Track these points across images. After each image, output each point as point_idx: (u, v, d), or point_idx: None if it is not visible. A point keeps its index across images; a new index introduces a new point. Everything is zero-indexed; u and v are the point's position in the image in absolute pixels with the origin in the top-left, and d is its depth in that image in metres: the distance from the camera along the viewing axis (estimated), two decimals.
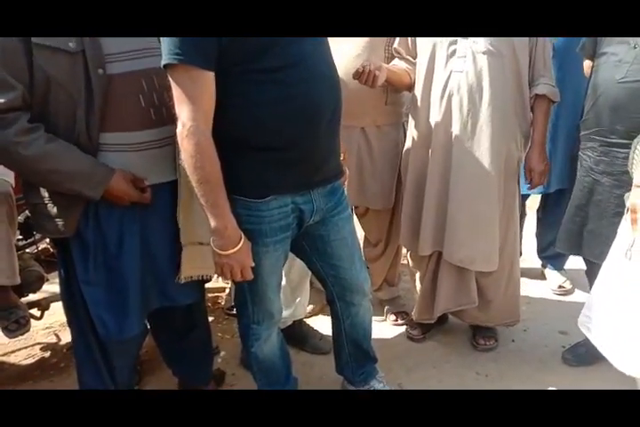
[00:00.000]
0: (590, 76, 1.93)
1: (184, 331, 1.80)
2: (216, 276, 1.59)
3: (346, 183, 1.73)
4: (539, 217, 2.81)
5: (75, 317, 1.60)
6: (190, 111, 1.30)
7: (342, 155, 1.68)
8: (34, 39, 1.30)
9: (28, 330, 2.09)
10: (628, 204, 1.43)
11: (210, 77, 1.31)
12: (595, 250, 1.88)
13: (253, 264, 1.47)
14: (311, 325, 2.40)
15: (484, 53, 1.88)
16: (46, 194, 1.46)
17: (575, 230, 1.96)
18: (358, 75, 1.84)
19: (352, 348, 1.92)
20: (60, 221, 1.45)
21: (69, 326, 1.68)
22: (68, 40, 1.32)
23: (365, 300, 1.83)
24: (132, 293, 1.52)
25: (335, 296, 1.81)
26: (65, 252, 1.53)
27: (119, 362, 1.65)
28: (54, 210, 1.45)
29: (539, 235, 2.81)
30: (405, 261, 2.45)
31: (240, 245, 1.41)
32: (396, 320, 2.49)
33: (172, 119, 1.46)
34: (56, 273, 1.71)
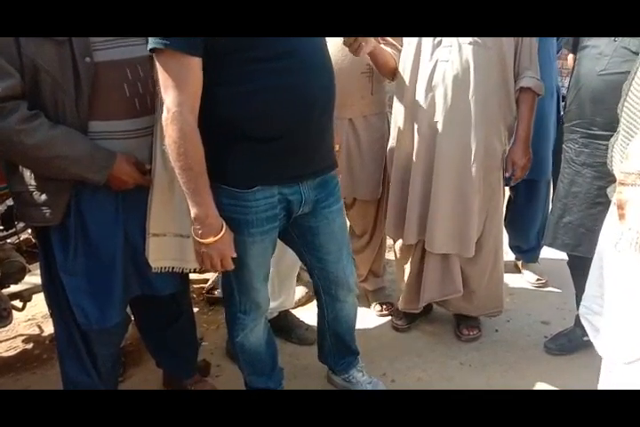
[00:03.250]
0: (572, 69, 1.95)
1: (168, 321, 1.80)
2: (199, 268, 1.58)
3: (340, 176, 1.73)
4: (507, 211, 2.72)
5: (56, 306, 1.59)
6: (175, 97, 1.29)
7: (337, 146, 1.68)
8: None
9: (10, 322, 2.07)
10: (612, 198, 1.45)
11: (196, 63, 1.30)
12: (570, 241, 1.90)
13: (235, 255, 1.46)
14: (297, 315, 2.41)
15: (469, 44, 1.89)
16: (32, 182, 1.44)
17: (553, 222, 1.98)
18: (349, 42, 1.83)
19: (334, 340, 1.94)
20: (46, 209, 1.44)
21: (51, 316, 1.67)
22: None
23: (350, 295, 1.84)
24: (112, 281, 1.52)
25: (321, 289, 1.82)
26: (46, 241, 1.52)
27: (102, 351, 1.64)
28: (40, 198, 1.44)
29: (509, 228, 2.74)
30: (391, 253, 2.46)
31: (221, 234, 1.40)
32: (382, 311, 2.50)
33: (153, 109, 1.46)
34: (38, 264, 1.69)
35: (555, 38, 2.41)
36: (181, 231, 1.55)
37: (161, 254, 1.55)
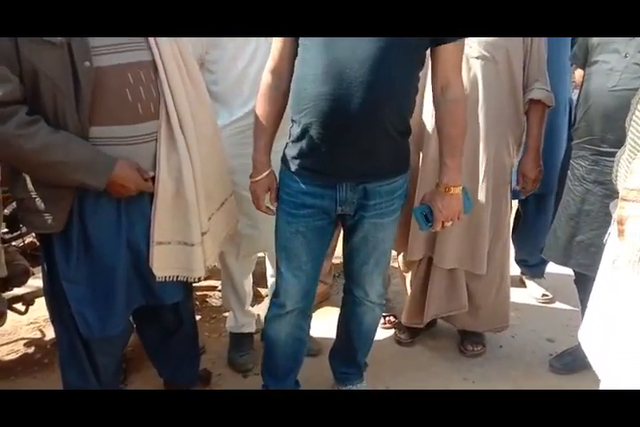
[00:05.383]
0: (582, 85, 1.94)
1: (170, 330, 1.79)
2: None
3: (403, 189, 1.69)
4: (515, 223, 2.73)
5: (57, 314, 1.59)
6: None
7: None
8: None
9: (2, 324, 2.06)
10: (614, 215, 1.43)
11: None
12: (584, 261, 1.87)
13: (267, 205, 1.67)
14: None
15: (477, 58, 1.88)
16: (34, 188, 1.43)
17: (564, 240, 1.95)
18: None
19: (343, 341, 1.95)
20: (48, 216, 1.43)
21: (52, 323, 1.66)
22: None
23: (367, 304, 1.84)
24: (115, 290, 1.51)
25: (346, 286, 1.87)
26: (48, 248, 1.51)
27: (103, 360, 1.63)
28: (42, 205, 1.43)
29: (517, 242, 2.73)
30: (395, 264, 2.45)
31: (258, 177, 1.62)
32: (385, 324, 2.48)
33: (157, 114, 1.46)
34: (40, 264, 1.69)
35: (568, 49, 2.38)
36: (186, 239, 1.54)
37: (165, 263, 1.54)
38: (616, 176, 1.54)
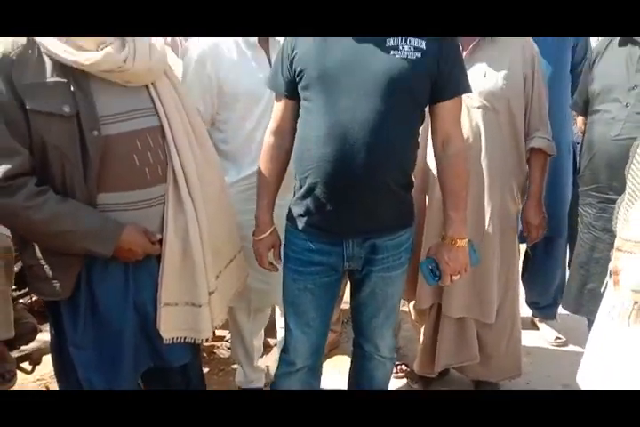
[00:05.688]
0: (584, 133, 1.95)
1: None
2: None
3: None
4: (525, 265, 2.70)
5: (64, 376, 1.57)
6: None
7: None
8: (29, 106, 1.30)
9: (12, 385, 2.03)
10: (610, 265, 1.43)
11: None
12: (595, 308, 1.84)
13: (272, 262, 1.70)
14: None
15: (478, 108, 1.90)
16: (42, 256, 1.44)
17: (575, 288, 1.94)
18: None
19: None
20: (56, 283, 1.42)
21: (58, 384, 1.63)
22: (63, 104, 1.33)
23: (377, 358, 1.81)
24: (122, 354, 1.49)
25: (355, 339, 1.84)
26: (55, 313, 1.50)
27: None
28: (51, 272, 1.43)
29: (527, 283, 2.71)
30: (406, 308, 2.42)
31: (261, 236, 1.66)
32: (397, 372, 2.43)
33: (165, 177, 1.47)
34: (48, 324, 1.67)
35: (569, 93, 2.40)
36: (193, 300, 1.53)
37: (173, 325, 1.52)
38: (615, 223, 1.54)
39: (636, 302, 1.26)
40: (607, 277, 1.47)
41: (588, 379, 1.54)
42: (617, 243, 1.33)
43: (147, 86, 1.46)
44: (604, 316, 1.43)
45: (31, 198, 1.33)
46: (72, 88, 1.34)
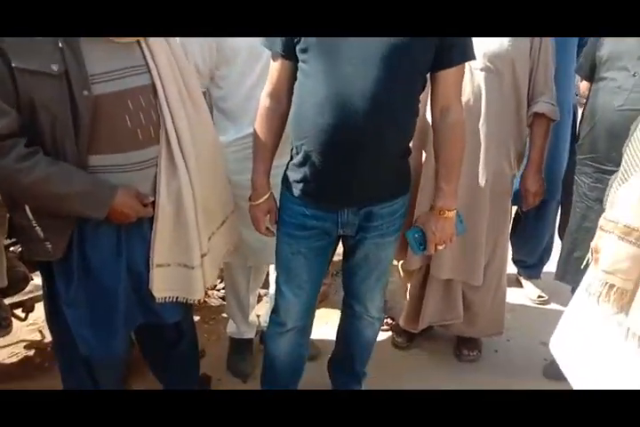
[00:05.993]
0: (587, 100, 1.91)
1: (171, 343, 1.80)
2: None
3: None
4: (514, 225, 2.69)
5: (58, 335, 1.60)
6: None
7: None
8: (14, 63, 1.24)
9: (9, 332, 2.08)
10: (592, 243, 1.45)
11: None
12: (579, 277, 1.88)
13: (267, 226, 1.66)
14: None
15: (481, 70, 1.85)
16: (35, 217, 1.42)
17: (563, 255, 1.97)
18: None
19: (342, 351, 1.98)
20: (48, 244, 1.42)
21: (54, 346, 1.67)
22: (51, 62, 1.27)
23: (367, 318, 1.85)
24: (115, 312, 1.51)
25: (345, 300, 1.88)
26: (48, 273, 1.51)
27: (104, 377, 1.65)
28: (43, 233, 1.41)
29: (515, 243, 2.72)
30: (394, 262, 2.45)
31: (258, 201, 1.62)
32: (382, 325, 2.50)
33: (158, 139, 1.44)
34: (39, 272, 1.67)
35: (574, 55, 2.33)
36: (186, 262, 1.54)
37: (165, 285, 1.54)
38: (606, 200, 1.54)
39: (606, 283, 1.28)
40: (589, 254, 1.49)
41: (559, 348, 1.59)
42: (601, 222, 1.34)
43: (139, 43, 1.39)
44: (583, 290, 1.46)
45: (22, 160, 1.29)
46: (60, 45, 1.27)
